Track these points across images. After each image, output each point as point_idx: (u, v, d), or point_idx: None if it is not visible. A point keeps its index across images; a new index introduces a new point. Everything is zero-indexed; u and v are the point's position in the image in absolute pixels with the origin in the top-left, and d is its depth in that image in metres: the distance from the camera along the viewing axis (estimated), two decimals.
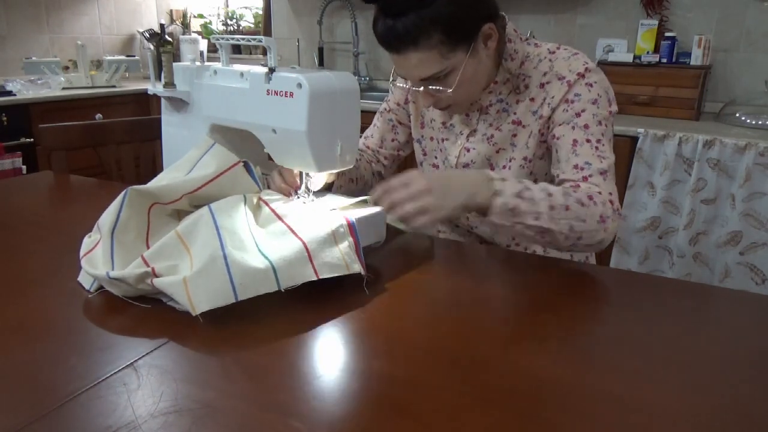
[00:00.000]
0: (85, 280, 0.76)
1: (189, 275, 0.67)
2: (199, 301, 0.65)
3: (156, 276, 0.69)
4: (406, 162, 2.30)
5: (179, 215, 0.85)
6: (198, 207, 0.82)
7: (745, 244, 1.76)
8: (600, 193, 0.88)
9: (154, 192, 0.80)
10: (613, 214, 0.88)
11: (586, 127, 0.93)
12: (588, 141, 0.92)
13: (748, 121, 1.97)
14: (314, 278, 0.71)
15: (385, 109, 1.20)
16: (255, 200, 0.83)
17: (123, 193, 0.78)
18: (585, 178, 0.91)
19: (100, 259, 0.74)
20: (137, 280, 0.69)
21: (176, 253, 0.73)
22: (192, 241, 0.74)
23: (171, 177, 0.85)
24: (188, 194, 0.82)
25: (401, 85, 1.02)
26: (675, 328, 0.69)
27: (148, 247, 0.78)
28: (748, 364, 0.62)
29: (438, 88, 0.92)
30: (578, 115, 0.94)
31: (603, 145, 0.93)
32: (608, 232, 0.87)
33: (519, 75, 0.99)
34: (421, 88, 0.94)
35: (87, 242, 0.80)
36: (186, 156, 0.89)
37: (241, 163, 0.86)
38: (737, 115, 2.01)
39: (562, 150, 0.95)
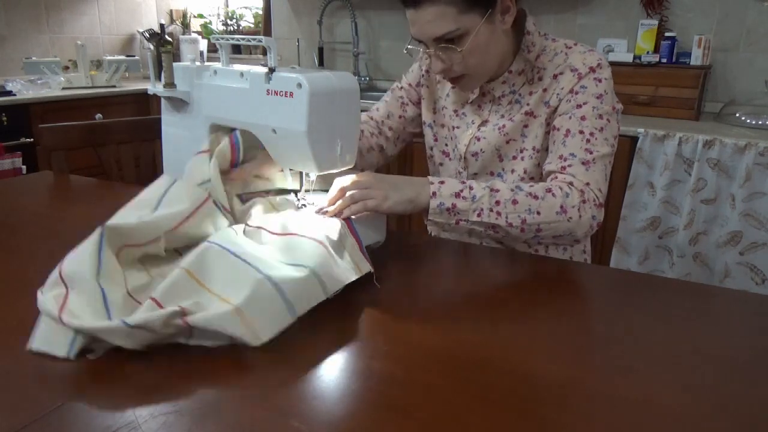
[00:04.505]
0: (56, 343, 0.59)
1: (240, 304, 0.61)
2: (263, 328, 0.61)
3: (186, 314, 0.60)
4: (414, 152, 2.30)
5: (143, 261, 0.75)
6: (173, 249, 0.76)
7: (745, 244, 1.76)
8: (571, 183, 0.89)
9: (130, 231, 0.70)
10: (583, 204, 0.87)
11: (582, 118, 0.94)
12: (581, 132, 0.93)
13: (748, 121, 1.97)
14: (353, 279, 0.71)
15: (397, 86, 1.21)
16: (242, 228, 0.78)
17: (99, 232, 0.67)
18: (563, 168, 0.92)
19: (86, 309, 0.61)
20: (165, 324, 0.59)
21: (192, 291, 0.66)
22: (207, 277, 0.67)
23: (138, 215, 0.75)
24: (170, 231, 0.74)
25: (414, 48, 1.03)
26: (675, 328, 0.69)
27: (128, 293, 0.67)
28: (748, 364, 0.62)
29: (450, 47, 0.92)
30: (579, 106, 0.94)
31: (596, 138, 0.92)
32: (574, 222, 0.86)
33: (534, 67, 1.00)
34: (433, 50, 0.94)
35: (46, 299, 0.61)
36: (144, 194, 0.80)
37: (211, 199, 0.80)
38: (737, 115, 2.01)
39: (555, 140, 0.96)
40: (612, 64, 2.33)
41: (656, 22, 2.18)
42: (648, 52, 2.16)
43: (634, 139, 1.87)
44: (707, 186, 1.78)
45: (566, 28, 2.45)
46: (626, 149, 1.89)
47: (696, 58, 2.08)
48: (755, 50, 2.13)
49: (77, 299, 0.61)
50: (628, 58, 2.17)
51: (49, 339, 0.59)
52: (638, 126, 1.88)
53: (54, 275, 0.64)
